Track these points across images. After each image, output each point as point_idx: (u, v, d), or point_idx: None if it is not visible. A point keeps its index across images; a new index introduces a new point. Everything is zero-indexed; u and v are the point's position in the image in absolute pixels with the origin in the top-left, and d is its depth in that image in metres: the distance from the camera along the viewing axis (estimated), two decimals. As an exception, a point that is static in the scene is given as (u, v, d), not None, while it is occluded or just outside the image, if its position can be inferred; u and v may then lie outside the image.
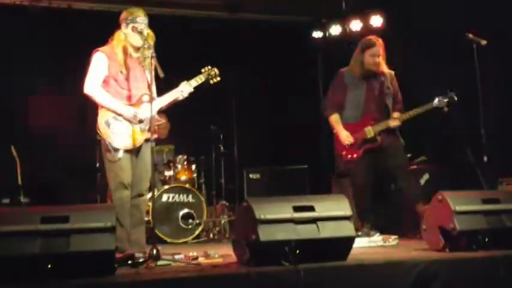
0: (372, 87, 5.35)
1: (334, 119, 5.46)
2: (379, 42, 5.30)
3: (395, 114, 5.34)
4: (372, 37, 5.39)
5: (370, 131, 5.31)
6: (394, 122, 5.29)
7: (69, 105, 7.30)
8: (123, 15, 4.47)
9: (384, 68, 5.35)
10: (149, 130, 4.36)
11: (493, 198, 4.23)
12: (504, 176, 5.55)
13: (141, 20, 4.41)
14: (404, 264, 3.72)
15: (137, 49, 4.46)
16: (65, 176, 7.33)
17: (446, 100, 5.11)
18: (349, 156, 5.39)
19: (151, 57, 4.20)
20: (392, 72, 5.42)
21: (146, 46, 4.35)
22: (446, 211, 4.09)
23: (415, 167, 6.41)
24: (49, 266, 3.32)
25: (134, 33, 4.38)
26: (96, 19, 7.19)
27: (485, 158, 4.74)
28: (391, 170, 5.35)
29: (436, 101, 5.14)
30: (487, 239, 4.03)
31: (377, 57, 5.28)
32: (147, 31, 4.41)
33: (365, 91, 5.35)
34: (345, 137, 5.36)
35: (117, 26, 4.49)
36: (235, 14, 8.35)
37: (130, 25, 4.39)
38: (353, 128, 5.36)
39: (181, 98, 4.61)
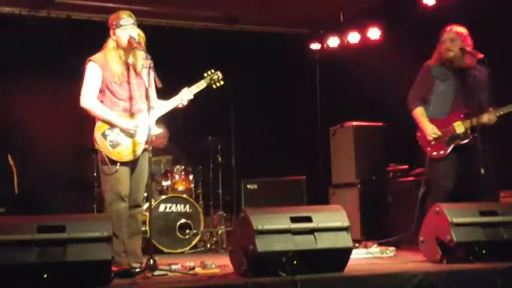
0: (463, 80, 4.92)
1: (419, 111, 5.00)
2: (454, 27, 4.91)
3: (489, 109, 4.86)
4: (451, 25, 4.95)
5: (460, 126, 4.87)
6: (487, 117, 4.80)
7: (67, 114, 7.29)
8: (109, 22, 4.39)
9: (472, 62, 4.91)
10: (146, 141, 4.33)
11: (491, 210, 4.23)
12: (502, 189, 5.55)
13: (124, 21, 4.31)
14: (401, 275, 3.71)
15: (130, 53, 4.38)
16: (62, 185, 7.31)
17: None
18: (435, 153, 4.90)
19: (149, 67, 4.15)
20: (484, 69, 4.98)
21: (135, 45, 4.25)
22: (444, 223, 4.09)
23: (412, 178, 6.42)
24: (45, 275, 3.31)
25: (125, 36, 4.29)
26: (94, 29, 7.20)
27: (482, 171, 4.73)
28: (470, 177, 4.83)
29: None
30: (484, 251, 4.04)
31: (449, 41, 4.90)
32: (136, 31, 4.34)
33: (455, 84, 4.94)
34: (431, 130, 4.91)
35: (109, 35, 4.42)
36: (234, 25, 8.39)
37: (118, 30, 4.32)
38: (441, 123, 4.92)
39: (181, 106, 4.56)
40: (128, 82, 4.39)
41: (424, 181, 5.08)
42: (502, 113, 4.82)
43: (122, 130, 4.32)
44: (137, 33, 4.36)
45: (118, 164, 4.29)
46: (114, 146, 4.30)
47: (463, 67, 4.97)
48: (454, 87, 4.97)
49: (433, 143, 4.94)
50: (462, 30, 4.98)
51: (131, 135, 4.34)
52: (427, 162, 4.96)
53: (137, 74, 4.43)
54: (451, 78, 4.98)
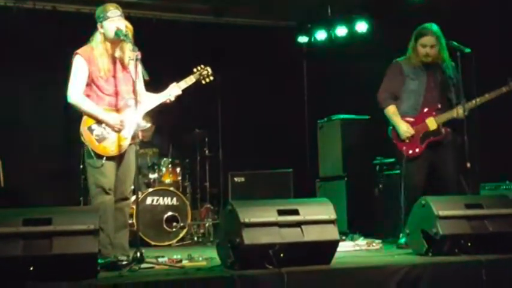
0: (434, 76, 5.00)
1: (392, 110, 5.03)
2: (433, 30, 4.93)
3: (460, 103, 4.88)
4: (427, 24, 4.97)
5: (432, 122, 4.94)
6: (460, 111, 4.83)
7: (53, 106, 7.25)
8: (96, 14, 4.34)
9: (444, 57, 4.97)
10: (133, 136, 4.30)
11: (476, 203, 4.26)
12: (486, 182, 5.59)
13: (111, 13, 4.26)
14: (388, 268, 3.73)
15: (118, 47, 4.34)
16: (47, 178, 7.27)
17: None
18: (411, 151, 4.94)
19: (136, 59, 4.12)
20: (453, 64, 5.01)
21: (122, 37, 4.20)
22: (429, 216, 4.12)
23: (398, 171, 6.44)
24: (31, 268, 3.29)
25: (112, 28, 4.23)
26: (81, 21, 7.14)
27: (468, 164, 4.77)
28: (445, 173, 4.92)
29: (506, 86, 4.80)
30: (469, 244, 4.06)
31: (429, 48, 4.92)
32: (124, 23, 4.29)
33: (426, 81, 4.99)
34: (405, 129, 4.96)
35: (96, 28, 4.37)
36: (222, 18, 8.36)
37: (105, 22, 4.26)
38: (413, 120, 4.98)
39: (168, 101, 4.54)
40: (114, 77, 4.35)
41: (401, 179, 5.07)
42: (472, 106, 4.86)
43: (108, 125, 4.29)
44: (125, 25, 4.32)
45: (104, 158, 4.26)
46: (100, 140, 4.27)
47: (433, 64, 5.02)
48: (424, 85, 5.02)
49: (407, 141, 4.98)
50: (439, 30, 4.98)
51: (118, 130, 4.32)
52: (403, 161, 4.97)
53: (124, 68, 4.39)
54: (421, 76, 5.03)
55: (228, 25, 8.42)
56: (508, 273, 3.87)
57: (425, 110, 5.00)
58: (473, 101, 4.85)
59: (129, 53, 4.31)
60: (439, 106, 4.99)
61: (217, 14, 8.30)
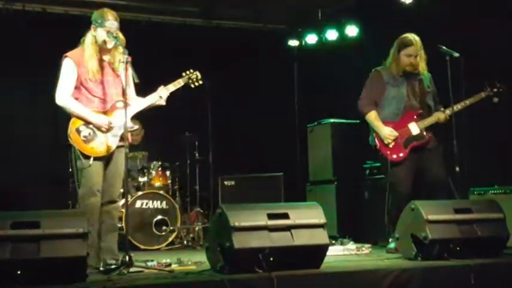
0: (413, 84, 5.07)
1: (373, 115, 5.06)
2: (416, 41, 5.00)
3: (442, 109, 5.01)
4: (409, 35, 5.04)
5: (415, 127, 4.98)
6: (442, 116, 4.94)
7: (41, 108, 7.22)
8: (93, 16, 4.36)
9: (423, 68, 5.08)
10: (122, 137, 4.30)
11: (465, 207, 4.29)
12: (474, 186, 5.62)
13: (110, 24, 4.28)
14: (377, 272, 3.74)
15: (108, 51, 4.37)
16: (36, 181, 7.23)
17: (495, 90, 4.93)
18: (395, 155, 4.95)
19: (126, 62, 4.13)
20: (430, 75, 5.15)
21: (117, 45, 4.23)
22: (419, 220, 4.13)
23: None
24: (18, 272, 3.27)
25: (104, 35, 4.27)
26: (70, 23, 7.11)
27: (457, 168, 4.79)
28: (431, 178, 4.93)
29: (485, 91, 4.94)
30: (458, 248, 4.09)
31: (413, 58, 5.00)
32: (118, 35, 4.28)
33: (406, 88, 5.05)
34: (388, 132, 4.97)
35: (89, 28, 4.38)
36: (212, 21, 8.36)
37: (99, 28, 4.29)
38: (395, 125, 5.01)
39: (158, 103, 4.54)
40: (103, 79, 4.36)
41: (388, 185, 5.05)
42: (454, 110, 4.91)
43: (96, 126, 4.31)
44: (118, 37, 4.28)
45: (91, 158, 4.27)
46: (88, 141, 4.29)
47: (412, 73, 5.08)
48: (405, 91, 5.06)
49: (391, 145, 4.99)
50: (419, 40, 5.05)
51: (106, 131, 4.32)
52: (388, 167, 4.97)
53: (114, 71, 4.41)
54: (401, 83, 5.08)
55: (218, 28, 8.42)
56: (496, 277, 3.90)
57: (407, 115, 5.03)
58: (454, 107, 4.92)
59: (120, 56, 4.31)
60: (420, 111, 5.05)
61: (207, 17, 8.30)
